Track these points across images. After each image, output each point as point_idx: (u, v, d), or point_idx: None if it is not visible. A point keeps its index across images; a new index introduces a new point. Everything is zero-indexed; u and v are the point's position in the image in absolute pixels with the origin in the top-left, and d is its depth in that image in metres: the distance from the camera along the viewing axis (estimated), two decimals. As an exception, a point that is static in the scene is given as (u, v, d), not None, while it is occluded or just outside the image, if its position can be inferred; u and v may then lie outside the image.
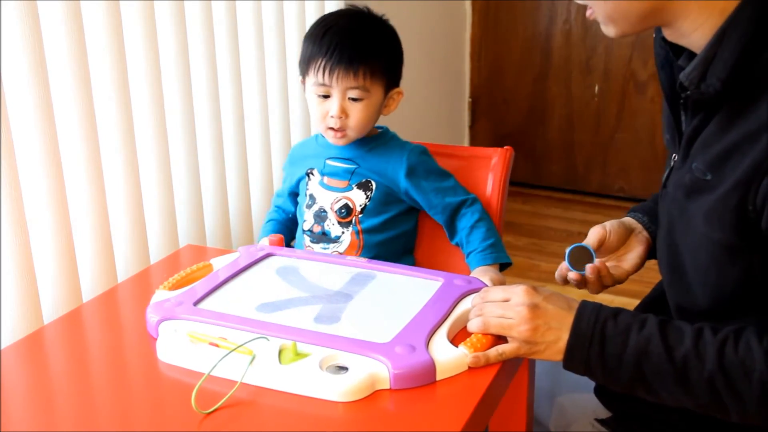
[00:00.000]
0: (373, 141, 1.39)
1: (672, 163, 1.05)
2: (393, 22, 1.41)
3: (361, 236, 1.37)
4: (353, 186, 1.38)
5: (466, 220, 1.37)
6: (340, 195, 1.38)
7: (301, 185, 1.44)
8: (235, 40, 1.75)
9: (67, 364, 1.07)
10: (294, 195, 1.48)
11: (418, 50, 3.00)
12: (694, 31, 0.95)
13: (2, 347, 1.15)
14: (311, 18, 2.04)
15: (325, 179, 1.39)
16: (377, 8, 1.40)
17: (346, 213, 1.37)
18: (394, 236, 1.39)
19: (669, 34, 1.00)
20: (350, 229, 1.37)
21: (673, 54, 1.04)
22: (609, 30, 1.01)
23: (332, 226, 1.38)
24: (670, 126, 1.07)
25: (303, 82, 1.37)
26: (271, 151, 1.94)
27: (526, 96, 3.49)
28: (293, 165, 1.46)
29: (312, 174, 1.41)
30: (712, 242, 0.95)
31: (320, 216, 1.39)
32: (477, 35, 3.48)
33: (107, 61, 1.38)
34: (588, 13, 1.02)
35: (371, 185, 1.37)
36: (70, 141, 1.32)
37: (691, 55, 1.00)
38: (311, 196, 1.41)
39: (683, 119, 1.03)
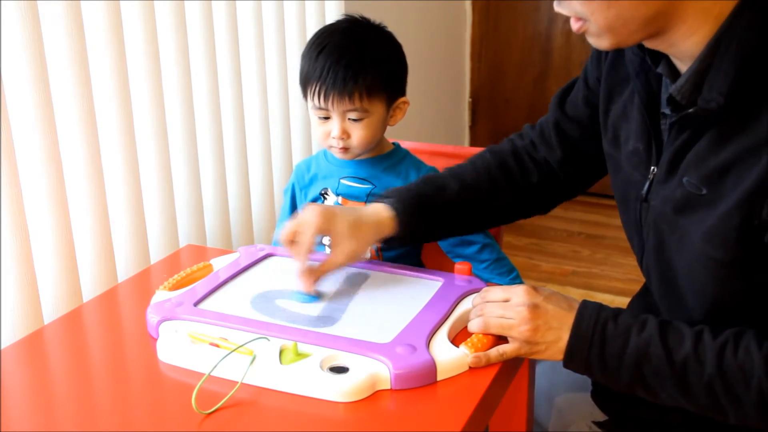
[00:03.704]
0: (387, 160, 1.37)
1: (651, 177, 1.01)
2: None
3: (380, 252, 1.36)
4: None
5: (487, 254, 1.38)
6: None
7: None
8: (235, 41, 1.75)
9: (67, 364, 1.07)
10: None
11: (418, 51, 3.00)
12: (686, 40, 0.91)
13: (2, 347, 1.15)
14: (311, 19, 2.04)
15: (341, 200, 1.37)
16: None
17: None
18: (410, 248, 1.39)
19: (656, 44, 0.95)
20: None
21: (651, 61, 0.99)
22: (602, 42, 0.94)
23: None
24: (644, 135, 1.02)
25: (306, 100, 1.35)
26: (272, 150, 1.94)
27: (526, 96, 3.49)
28: (305, 188, 1.42)
29: (326, 195, 1.39)
30: (713, 260, 0.93)
31: None
32: (477, 35, 3.48)
33: (107, 61, 1.37)
34: (577, 26, 0.94)
35: None
36: (70, 141, 1.32)
37: (669, 63, 0.97)
38: None
39: (664, 131, 0.99)
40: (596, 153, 1.17)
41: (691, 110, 0.92)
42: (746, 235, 0.89)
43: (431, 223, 1.21)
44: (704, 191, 0.92)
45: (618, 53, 1.08)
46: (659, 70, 0.99)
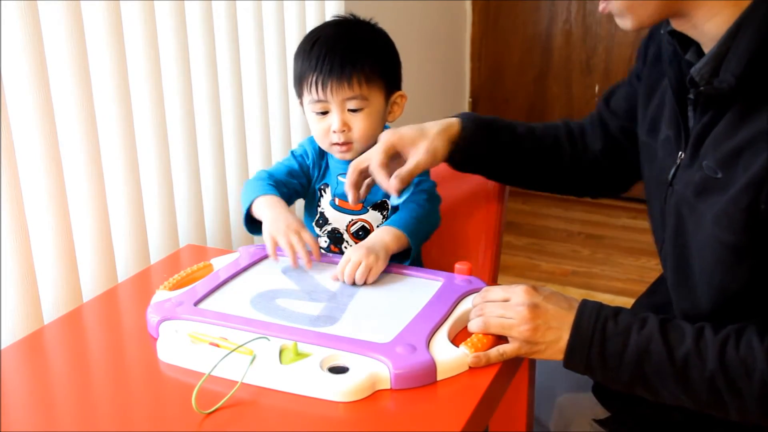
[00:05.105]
0: None
1: (678, 161, 1.04)
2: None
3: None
4: (368, 208, 1.33)
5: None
6: (355, 218, 1.34)
7: (311, 196, 1.38)
8: (235, 40, 1.75)
9: (67, 364, 1.07)
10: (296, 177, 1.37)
11: (418, 50, 3.00)
12: (707, 22, 0.94)
13: (2, 347, 1.15)
14: (311, 19, 2.04)
15: (337, 201, 1.34)
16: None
17: (364, 235, 1.31)
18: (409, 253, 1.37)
19: (679, 25, 0.99)
20: None
21: (680, 49, 1.03)
22: (626, 22, 0.99)
23: (350, 248, 1.34)
24: (674, 123, 1.05)
25: (301, 103, 1.32)
26: (272, 151, 1.94)
27: (526, 96, 3.49)
28: (307, 157, 1.37)
29: (324, 191, 1.36)
30: (720, 243, 0.94)
31: (335, 237, 1.35)
32: (477, 35, 3.49)
33: (107, 61, 1.38)
34: (602, 6, 1.00)
35: (387, 204, 1.32)
36: (70, 141, 1.32)
37: (699, 49, 1.00)
38: (322, 215, 1.36)
39: (691, 116, 1.02)
40: (634, 150, 1.20)
41: (702, 88, 0.95)
42: (752, 218, 0.90)
43: (491, 146, 1.25)
44: (719, 174, 0.94)
45: (661, 47, 1.11)
46: (688, 56, 1.02)
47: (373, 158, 1.20)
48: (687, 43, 1.01)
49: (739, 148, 0.91)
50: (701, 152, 0.97)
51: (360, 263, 1.16)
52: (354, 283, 1.16)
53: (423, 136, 1.21)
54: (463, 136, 1.24)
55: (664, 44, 1.05)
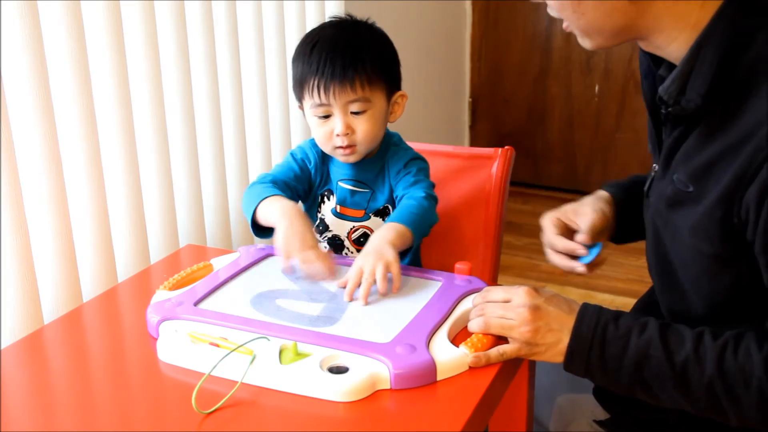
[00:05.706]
0: (381, 157, 1.33)
1: (653, 174, 1.05)
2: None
3: None
4: (370, 215, 1.33)
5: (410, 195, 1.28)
6: (357, 225, 1.33)
7: (311, 201, 1.37)
8: (235, 40, 1.75)
9: (67, 364, 1.07)
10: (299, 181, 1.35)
11: (418, 50, 3.00)
12: (670, 44, 0.96)
13: (2, 347, 1.15)
14: (311, 19, 2.04)
15: (339, 208, 1.33)
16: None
17: (365, 242, 1.27)
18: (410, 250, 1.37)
19: (645, 46, 1.00)
20: None
21: (653, 64, 1.03)
22: (585, 43, 1.01)
23: (350, 255, 1.33)
24: (651, 135, 1.07)
25: (301, 107, 1.30)
26: (271, 151, 1.94)
27: (526, 96, 3.49)
28: (309, 162, 1.35)
29: (329, 197, 1.35)
30: (701, 253, 0.95)
31: (336, 244, 1.34)
32: (477, 35, 3.49)
33: (107, 61, 1.38)
34: (564, 25, 1.01)
35: (389, 210, 1.32)
36: (70, 141, 1.32)
37: (671, 65, 1.00)
38: (322, 221, 1.35)
39: (663, 130, 1.03)
40: None
41: (670, 108, 0.96)
42: (728, 230, 0.91)
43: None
44: (691, 188, 0.95)
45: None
46: (660, 72, 1.02)
47: (548, 235, 1.18)
48: (660, 58, 1.02)
49: (709, 163, 0.92)
50: (672, 166, 0.99)
51: (374, 274, 1.11)
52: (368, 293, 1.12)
53: (581, 204, 1.19)
54: (617, 202, 1.20)
55: (640, 58, 1.06)
